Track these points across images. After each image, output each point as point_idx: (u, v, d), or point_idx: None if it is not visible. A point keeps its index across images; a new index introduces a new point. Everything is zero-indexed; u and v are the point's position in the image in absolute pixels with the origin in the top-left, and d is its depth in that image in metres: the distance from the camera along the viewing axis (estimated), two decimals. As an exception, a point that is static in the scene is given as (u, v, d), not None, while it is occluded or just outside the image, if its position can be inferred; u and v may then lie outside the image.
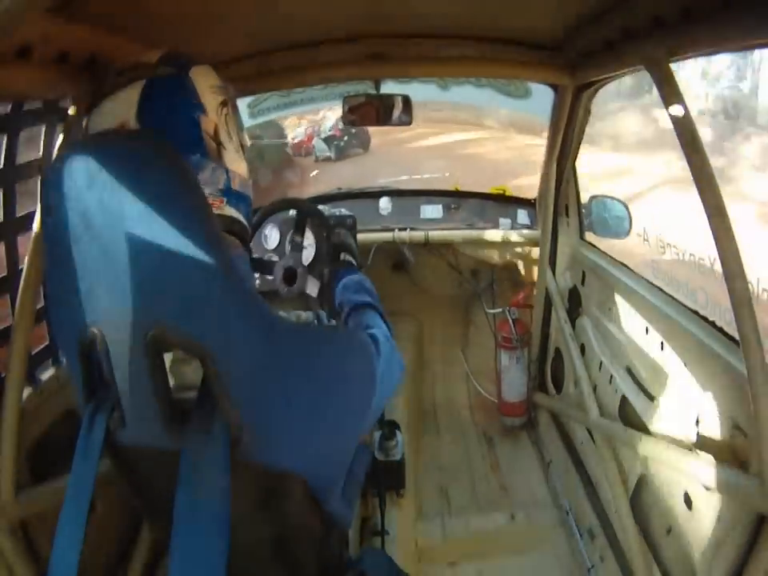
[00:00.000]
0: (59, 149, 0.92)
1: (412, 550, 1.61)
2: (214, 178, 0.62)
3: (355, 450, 0.69)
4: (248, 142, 0.72)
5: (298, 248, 1.06)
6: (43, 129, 0.96)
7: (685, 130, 0.95)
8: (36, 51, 0.74)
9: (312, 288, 1.17)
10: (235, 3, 0.98)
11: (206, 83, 0.64)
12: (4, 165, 0.91)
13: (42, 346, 1.08)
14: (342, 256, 1.07)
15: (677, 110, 0.96)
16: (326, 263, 1.09)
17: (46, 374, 1.08)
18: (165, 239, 0.51)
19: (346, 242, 1.11)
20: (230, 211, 0.64)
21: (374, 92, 1.60)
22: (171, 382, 0.54)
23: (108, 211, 0.51)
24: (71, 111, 0.91)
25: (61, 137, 0.93)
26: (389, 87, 1.64)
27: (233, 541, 0.50)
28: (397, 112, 1.57)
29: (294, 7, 1.08)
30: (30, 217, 0.97)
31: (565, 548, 1.64)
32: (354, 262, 1.07)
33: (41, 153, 0.98)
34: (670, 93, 0.97)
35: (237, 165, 0.66)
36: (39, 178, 0.98)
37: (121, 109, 0.59)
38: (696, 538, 1.11)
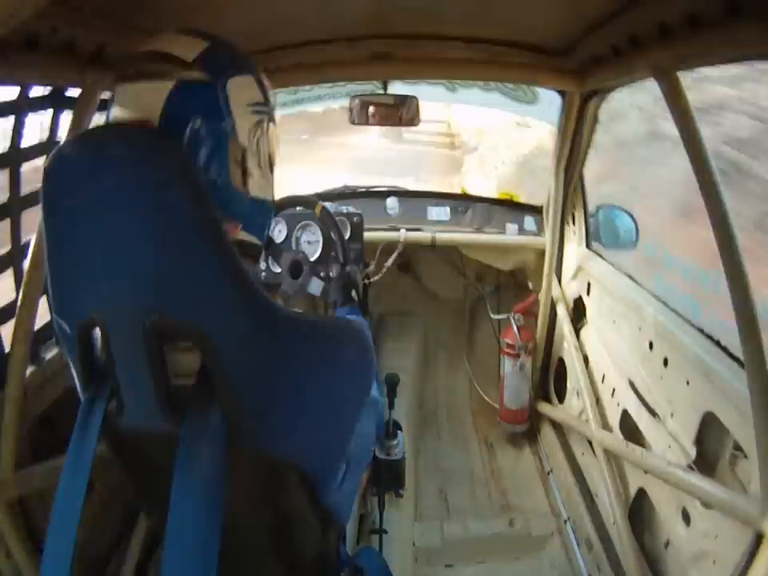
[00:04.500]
0: (66, 136, 0.93)
1: (409, 551, 1.61)
2: (231, 203, 0.59)
3: (355, 445, 0.69)
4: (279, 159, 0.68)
5: (305, 243, 1.07)
6: (50, 114, 0.97)
7: (692, 141, 0.94)
8: (43, 41, 0.75)
9: (315, 287, 1.18)
10: None
11: (242, 99, 0.58)
12: (10, 147, 0.92)
13: (44, 323, 1.07)
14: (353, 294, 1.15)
15: (684, 120, 0.95)
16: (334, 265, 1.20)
17: (50, 353, 1.08)
18: (166, 228, 0.51)
19: (355, 279, 1.17)
20: (245, 236, 0.62)
21: (381, 92, 1.59)
22: (170, 368, 0.54)
23: (109, 200, 0.52)
24: (78, 99, 0.92)
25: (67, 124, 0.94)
26: (397, 88, 1.63)
27: (230, 529, 0.50)
28: (404, 112, 1.56)
29: (301, 6, 1.09)
30: (35, 195, 0.97)
31: (562, 557, 1.63)
32: (357, 300, 1.15)
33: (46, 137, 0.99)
34: (677, 103, 0.95)
35: (262, 191, 0.62)
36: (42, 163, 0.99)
37: (146, 104, 0.55)
38: (693, 554, 1.09)
